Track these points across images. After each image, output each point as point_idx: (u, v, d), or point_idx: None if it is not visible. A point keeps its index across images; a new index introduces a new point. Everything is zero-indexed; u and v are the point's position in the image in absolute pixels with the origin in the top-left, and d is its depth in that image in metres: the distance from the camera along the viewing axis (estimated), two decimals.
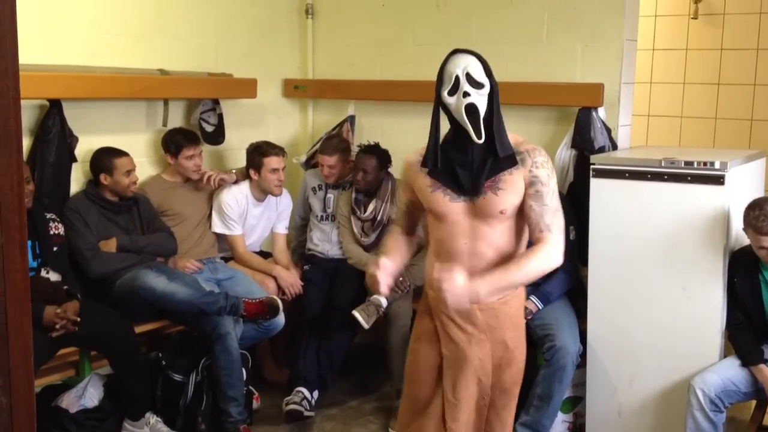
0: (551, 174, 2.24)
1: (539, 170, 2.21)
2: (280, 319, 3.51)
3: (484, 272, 2.19)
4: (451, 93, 2.18)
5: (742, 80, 4.65)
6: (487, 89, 2.19)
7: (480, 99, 2.17)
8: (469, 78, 2.17)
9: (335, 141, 4.09)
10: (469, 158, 2.21)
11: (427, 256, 2.40)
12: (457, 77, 2.17)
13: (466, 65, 2.17)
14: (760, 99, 4.61)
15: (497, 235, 2.24)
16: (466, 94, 2.16)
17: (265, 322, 3.44)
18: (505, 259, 2.24)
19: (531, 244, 2.25)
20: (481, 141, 2.16)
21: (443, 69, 2.22)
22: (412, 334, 2.46)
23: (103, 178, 3.43)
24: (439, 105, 2.24)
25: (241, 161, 4.03)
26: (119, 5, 3.73)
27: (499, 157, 2.19)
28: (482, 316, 2.27)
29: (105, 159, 3.45)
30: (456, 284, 2.09)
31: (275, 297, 3.44)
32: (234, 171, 3.96)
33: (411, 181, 2.35)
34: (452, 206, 2.23)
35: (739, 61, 4.66)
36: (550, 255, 2.18)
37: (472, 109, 2.16)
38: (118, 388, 3.20)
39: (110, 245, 3.41)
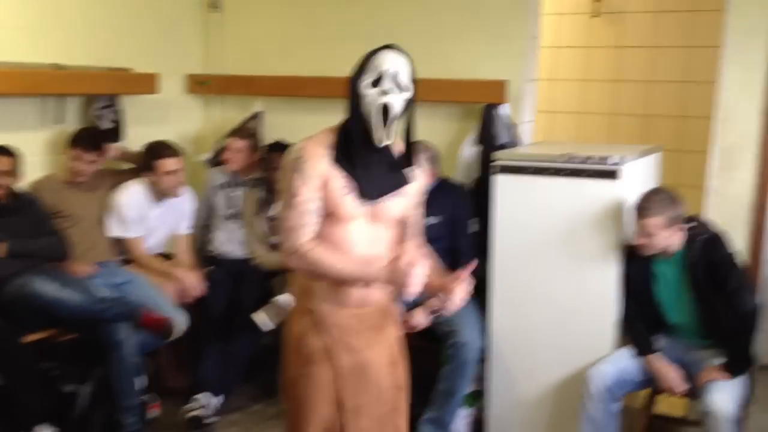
0: None
1: (421, 182, 2.35)
2: (182, 323, 3.42)
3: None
4: (371, 86, 2.09)
5: (639, 77, 4.80)
6: (407, 95, 2.13)
7: (398, 101, 2.10)
8: (395, 78, 2.09)
9: (248, 129, 4.08)
10: (369, 159, 2.14)
11: None
12: (382, 72, 2.08)
13: (396, 63, 2.10)
14: (656, 95, 4.76)
15: (391, 239, 2.25)
16: (385, 92, 2.09)
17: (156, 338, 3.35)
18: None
19: None
20: (386, 143, 2.12)
21: (368, 60, 2.12)
22: (297, 359, 2.26)
23: None
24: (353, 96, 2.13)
25: None
26: None
27: (404, 167, 2.19)
28: (375, 317, 2.27)
29: None
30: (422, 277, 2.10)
31: (172, 321, 3.33)
32: (116, 147, 3.87)
33: (325, 176, 2.11)
34: (358, 211, 2.16)
35: (637, 59, 4.81)
36: None
37: (386, 109, 2.08)
38: (7, 400, 3.06)
39: None
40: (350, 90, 2.13)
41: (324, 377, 2.23)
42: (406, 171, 2.21)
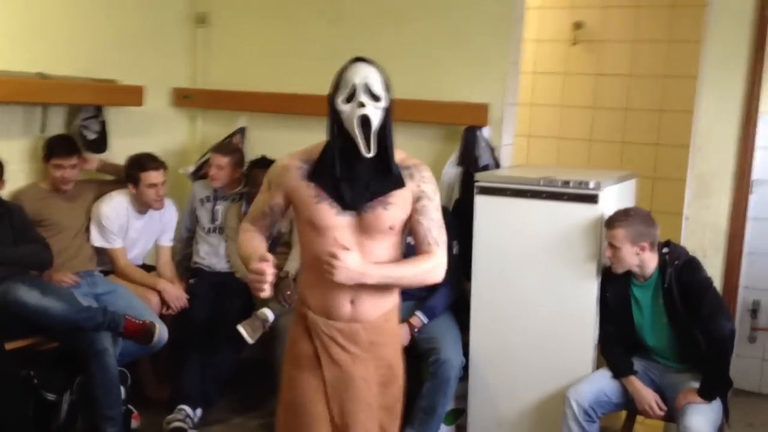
0: (436, 189, 2.27)
1: (426, 185, 2.24)
2: (163, 334, 3.41)
3: (369, 287, 2.19)
4: (346, 101, 2.12)
5: (615, 104, 4.91)
6: (383, 103, 2.13)
7: (375, 112, 2.11)
8: (367, 89, 2.11)
9: (232, 145, 4.10)
10: (354, 172, 2.15)
11: (301, 272, 2.33)
12: (354, 86, 2.11)
13: (365, 75, 2.12)
14: (632, 123, 4.87)
15: (383, 251, 2.22)
16: (361, 105, 2.09)
17: (140, 344, 3.33)
18: None
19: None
20: (371, 155, 2.13)
21: (341, 75, 2.15)
22: (287, 359, 2.33)
23: None
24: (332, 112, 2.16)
25: None
26: None
27: (388, 175, 2.18)
28: (365, 334, 2.25)
29: None
30: (349, 260, 2.11)
31: (155, 324, 3.33)
32: (97, 158, 3.88)
33: (288, 187, 2.23)
34: (338, 220, 2.17)
35: (613, 87, 4.92)
36: (436, 268, 2.23)
37: (365, 121, 2.09)
38: None
39: None
40: (329, 108, 2.17)
41: (312, 383, 2.24)
42: (393, 179, 2.20)
